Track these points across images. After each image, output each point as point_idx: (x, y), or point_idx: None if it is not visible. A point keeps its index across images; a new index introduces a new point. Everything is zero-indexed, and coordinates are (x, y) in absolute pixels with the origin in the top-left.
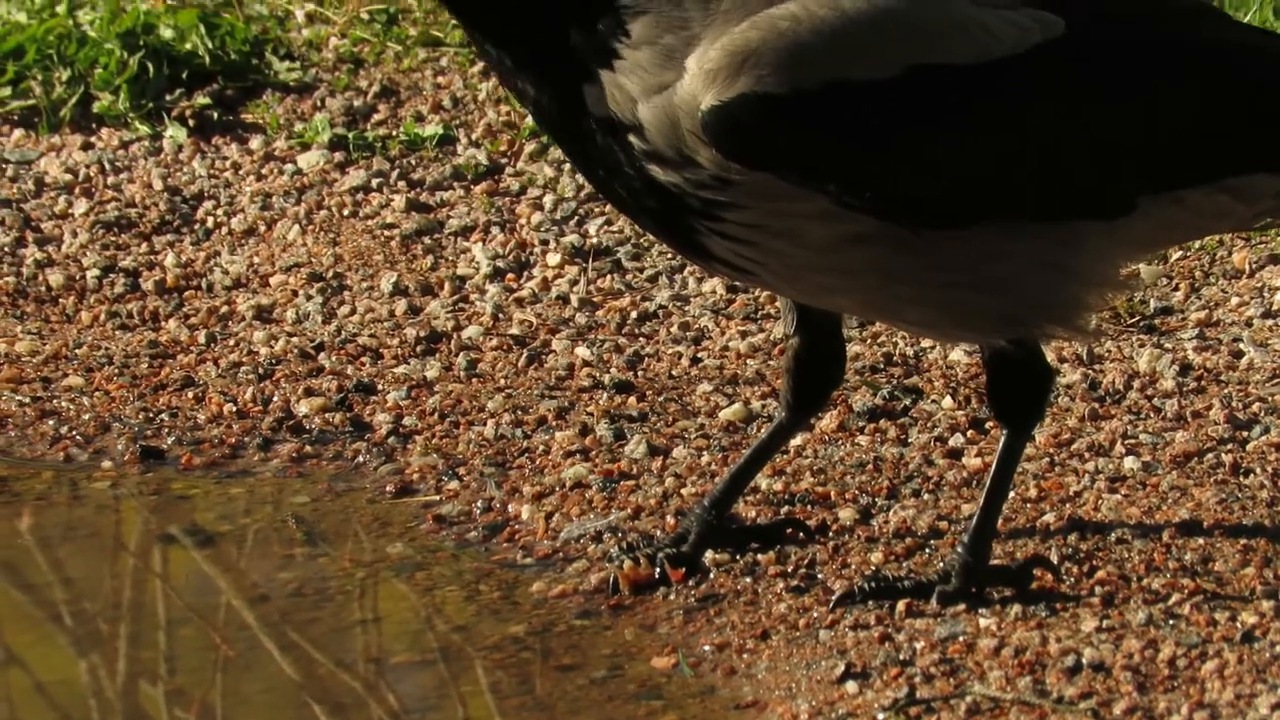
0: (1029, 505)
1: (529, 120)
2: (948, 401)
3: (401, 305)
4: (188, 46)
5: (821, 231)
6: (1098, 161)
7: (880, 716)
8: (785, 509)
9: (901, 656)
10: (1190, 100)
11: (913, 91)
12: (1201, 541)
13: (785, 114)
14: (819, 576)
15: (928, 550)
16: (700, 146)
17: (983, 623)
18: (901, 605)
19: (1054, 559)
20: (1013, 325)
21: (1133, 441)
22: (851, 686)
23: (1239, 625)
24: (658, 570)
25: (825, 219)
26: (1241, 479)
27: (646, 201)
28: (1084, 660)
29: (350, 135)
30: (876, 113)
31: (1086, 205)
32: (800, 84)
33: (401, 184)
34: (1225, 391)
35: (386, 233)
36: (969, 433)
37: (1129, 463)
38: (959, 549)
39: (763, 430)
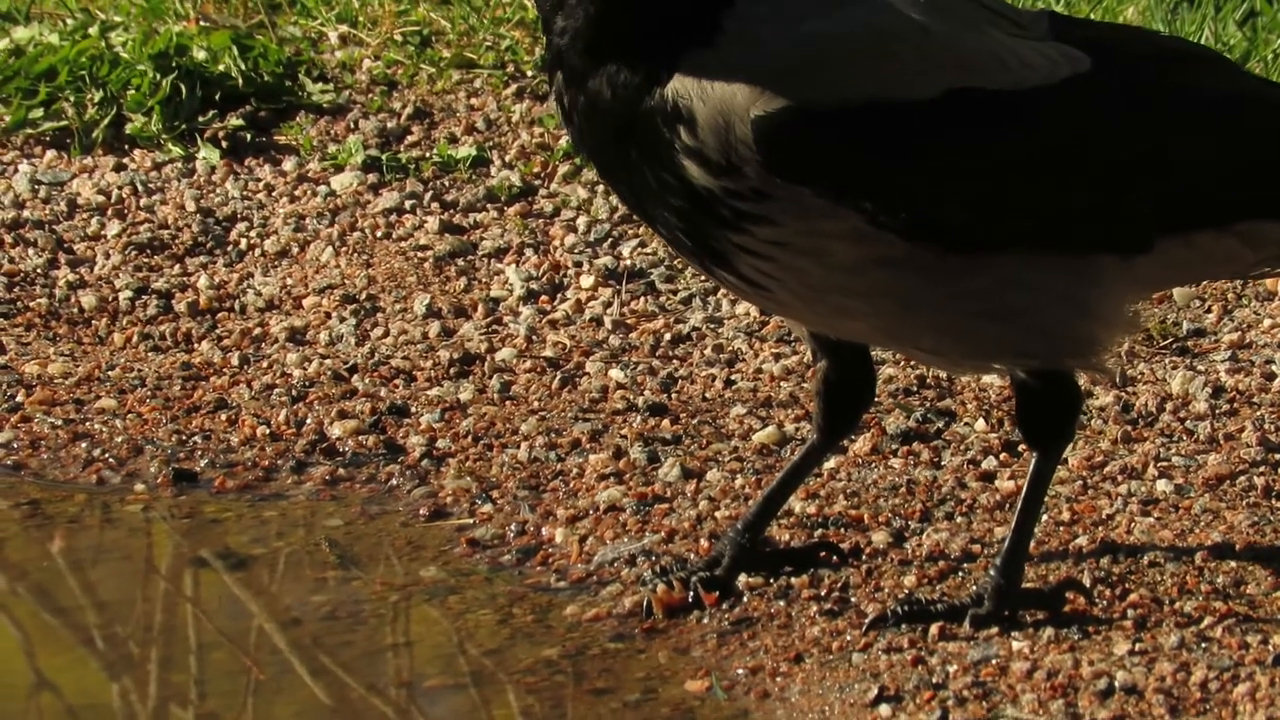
0: (1062, 528)
1: (563, 142)
2: (981, 424)
3: (435, 327)
4: (221, 68)
5: (848, 252)
6: (1119, 196)
7: None
8: (819, 532)
9: (934, 680)
10: (1206, 145)
11: (950, 114)
12: (1234, 564)
13: (828, 128)
14: (852, 600)
15: (961, 573)
16: (748, 154)
17: (1015, 645)
18: (934, 628)
19: (1087, 582)
20: (1027, 358)
21: (1165, 464)
22: (885, 710)
23: (1271, 648)
24: (691, 594)
25: (854, 239)
26: (1274, 501)
27: (673, 202)
28: (1116, 683)
29: (384, 157)
30: (914, 133)
31: (1106, 239)
32: (845, 100)
33: (435, 206)
34: (1258, 414)
35: (420, 254)
36: (1002, 455)
37: (1161, 485)
38: (992, 572)
39: (795, 453)
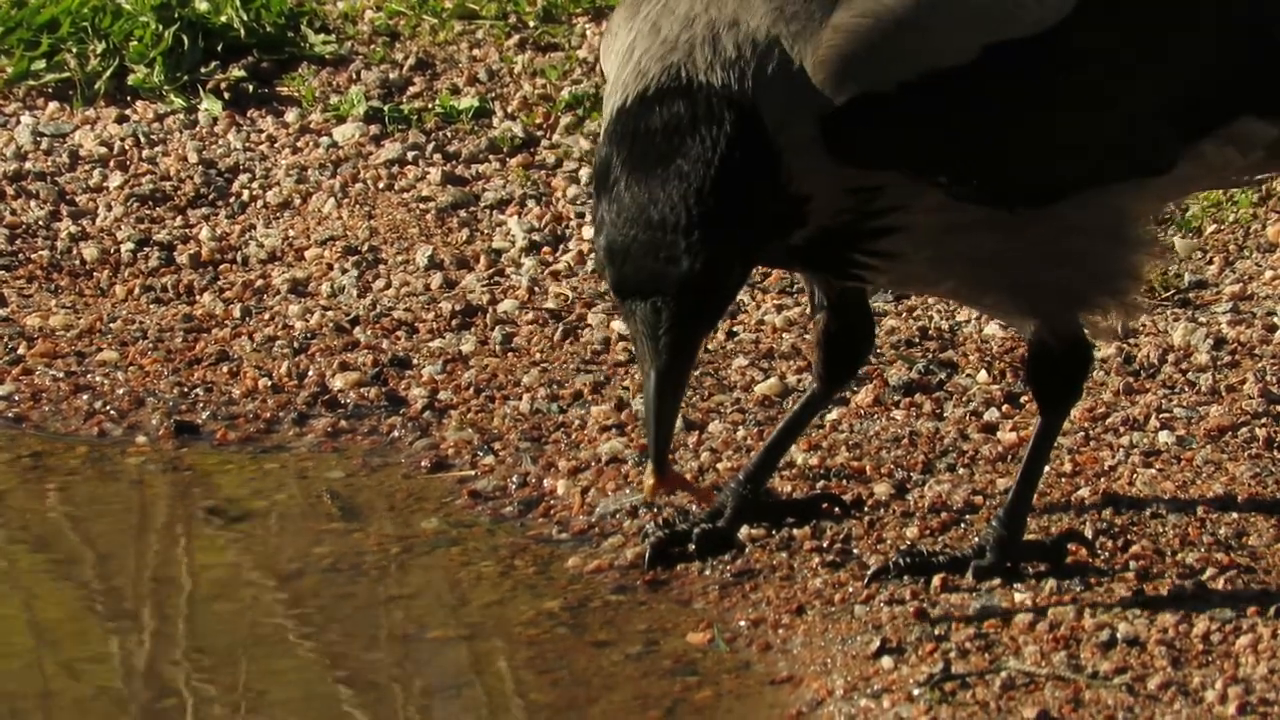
0: (1064, 480)
1: (564, 93)
2: (983, 376)
3: (437, 279)
4: (223, 19)
5: (931, 224)
6: (1147, 119)
7: (915, 692)
8: (820, 484)
9: (937, 632)
10: (1206, 50)
11: (992, 71)
12: (1235, 516)
13: (894, 111)
14: (854, 552)
15: (963, 525)
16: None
17: (1018, 598)
18: (937, 580)
19: (1089, 533)
20: (1079, 303)
21: (1167, 416)
22: (887, 662)
23: (1272, 599)
24: (693, 545)
25: (938, 211)
26: (1275, 453)
27: (807, 248)
28: (1119, 635)
29: (386, 108)
30: (968, 97)
31: (1142, 164)
32: (902, 79)
33: (437, 157)
34: (1259, 365)
35: (422, 206)
36: (1004, 407)
37: (1163, 437)
38: (994, 524)
39: (796, 403)
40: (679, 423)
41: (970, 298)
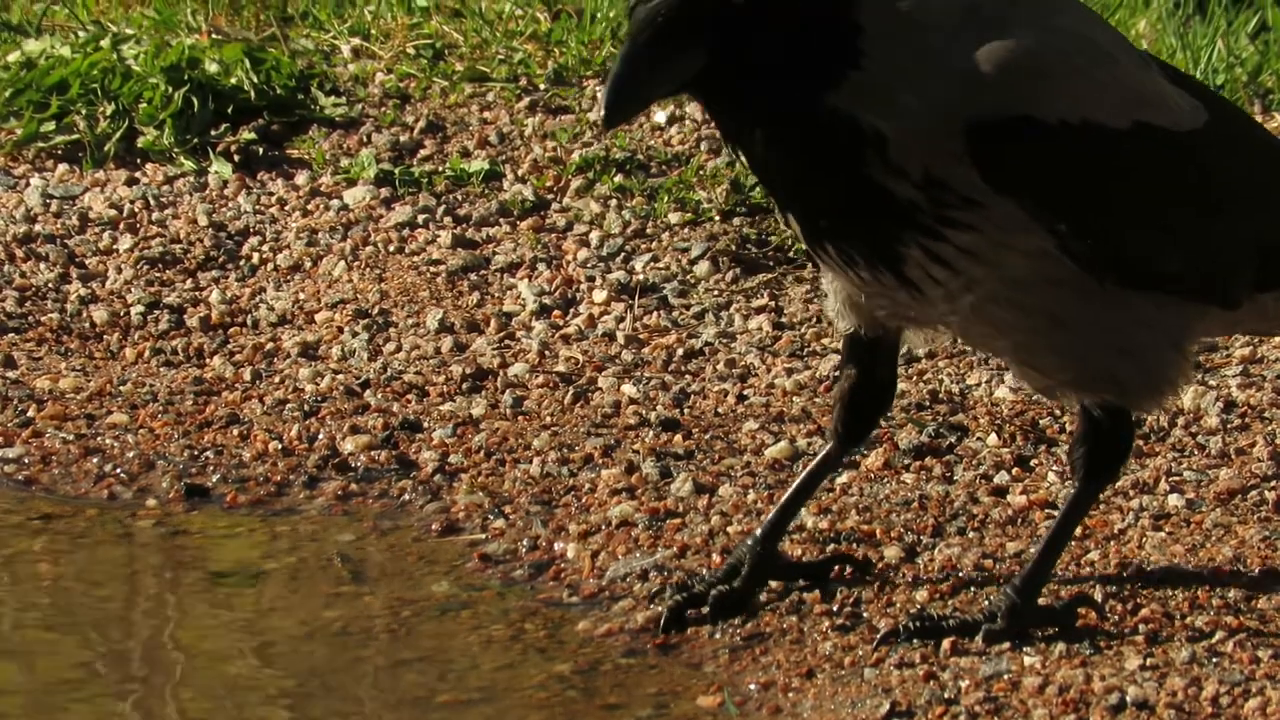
0: (1074, 543)
1: (575, 155)
2: (993, 439)
3: (447, 342)
4: (233, 81)
5: (1025, 269)
6: (1237, 251)
7: None
8: (831, 547)
9: (946, 695)
10: None
11: (1138, 148)
12: (1245, 579)
13: (1046, 143)
14: (864, 615)
15: (973, 588)
16: (956, 165)
17: (1027, 661)
18: (946, 643)
19: (1098, 597)
20: (1124, 393)
21: (1177, 479)
22: None
23: None
24: (708, 608)
25: (1037, 257)
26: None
27: (853, 211)
28: (1128, 698)
29: (396, 171)
30: (1111, 161)
31: (1223, 293)
32: (1062, 115)
33: (447, 220)
34: (1269, 429)
35: (432, 269)
36: (1014, 470)
37: (1173, 500)
38: (1008, 589)
39: (809, 463)
40: (689, 486)
41: (1028, 359)
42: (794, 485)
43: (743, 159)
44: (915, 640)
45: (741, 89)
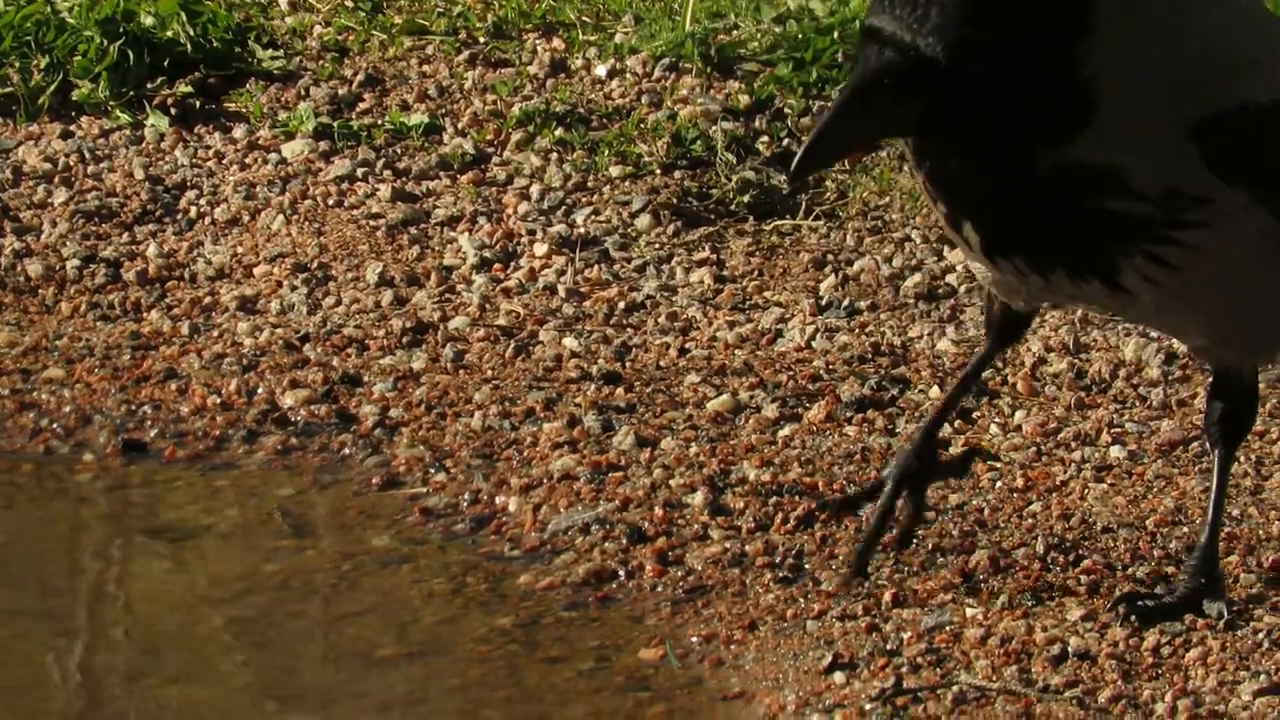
0: (1015, 495)
1: (515, 109)
2: (935, 391)
3: (387, 296)
4: (169, 34)
5: (1244, 252)
6: None
7: (867, 707)
8: (773, 499)
9: (889, 647)
10: None
11: None
12: (1186, 530)
13: (1267, 125)
14: (807, 567)
15: (914, 541)
16: (1187, 168)
17: (969, 612)
18: (888, 596)
19: (1040, 549)
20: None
21: (1119, 430)
22: (839, 677)
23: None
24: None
25: (1255, 238)
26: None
27: (1069, 236)
28: (1069, 649)
29: (335, 124)
30: None
31: None
32: (1273, 96)
33: (387, 173)
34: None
35: (372, 222)
36: (956, 422)
37: (1115, 452)
38: (1184, 576)
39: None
40: (631, 440)
41: (1215, 332)
42: (952, 386)
43: (930, 185)
44: (1139, 621)
45: (960, 146)
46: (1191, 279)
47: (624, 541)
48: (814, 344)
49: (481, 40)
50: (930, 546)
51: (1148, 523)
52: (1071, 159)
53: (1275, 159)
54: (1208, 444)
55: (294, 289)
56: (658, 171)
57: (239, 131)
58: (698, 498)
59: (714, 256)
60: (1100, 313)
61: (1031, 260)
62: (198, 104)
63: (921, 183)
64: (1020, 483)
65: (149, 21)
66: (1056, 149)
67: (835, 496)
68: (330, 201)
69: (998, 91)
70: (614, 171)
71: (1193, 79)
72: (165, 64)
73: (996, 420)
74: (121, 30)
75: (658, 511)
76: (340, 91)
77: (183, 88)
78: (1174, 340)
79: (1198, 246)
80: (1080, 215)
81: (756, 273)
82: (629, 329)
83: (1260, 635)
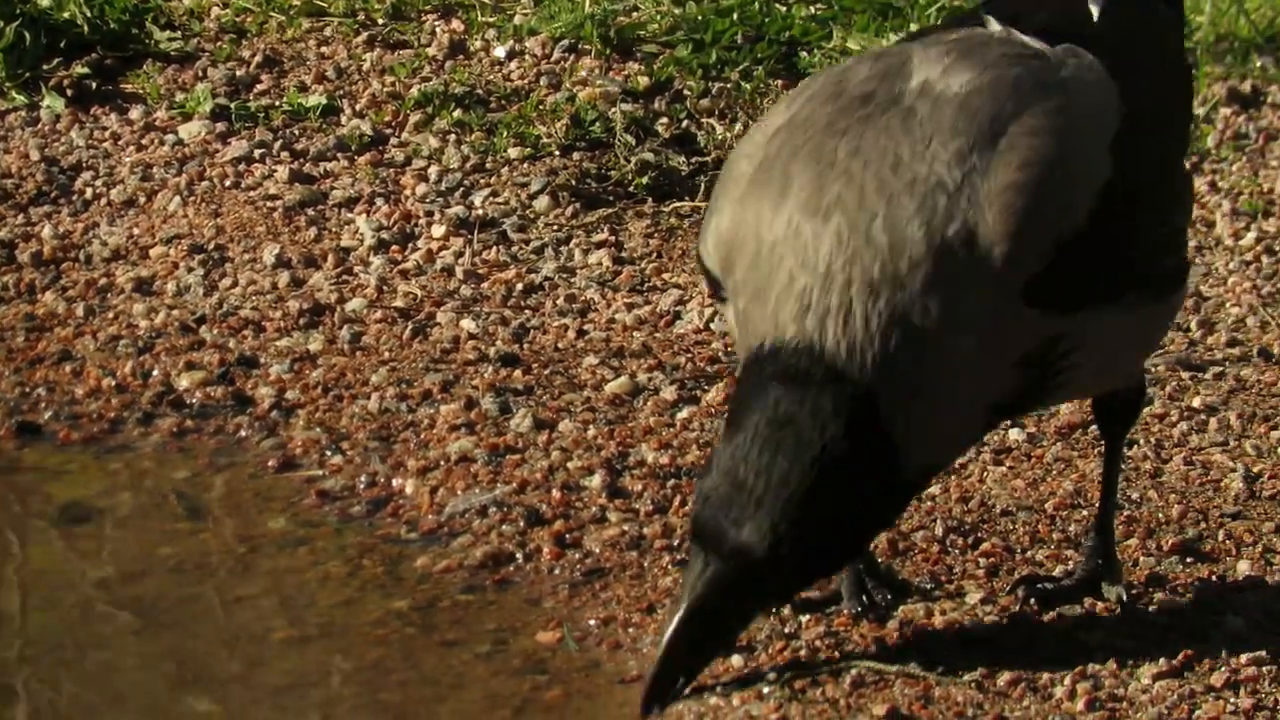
0: None
1: (414, 90)
2: None
3: (284, 277)
4: (66, 15)
5: (1116, 339)
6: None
7: (765, 690)
8: (671, 482)
9: (788, 630)
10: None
11: (1127, 179)
12: (1085, 513)
13: (1088, 242)
14: None
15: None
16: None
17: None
18: None
19: (939, 532)
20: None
21: None
22: (737, 660)
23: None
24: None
25: (1123, 329)
26: (1125, 450)
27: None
28: (969, 633)
29: (232, 105)
30: (1123, 206)
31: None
32: (1089, 206)
33: (284, 155)
34: None
35: (269, 204)
36: None
37: (1014, 434)
38: (1087, 554)
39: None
40: (528, 422)
41: (1092, 388)
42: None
43: None
44: (1038, 604)
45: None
46: (1073, 387)
47: (521, 524)
48: (712, 326)
49: (380, 22)
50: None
51: (1047, 506)
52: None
53: (1101, 269)
54: (1099, 430)
55: (190, 270)
56: (556, 153)
57: (136, 113)
58: (595, 480)
59: (612, 238)
60: None
61: None
62: (94, 85)
63: None
64: None
65: (46, 2)
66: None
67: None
68: (227, 183)
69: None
70: (512, 153)
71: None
72: (62, 45)
73: None
74: (18, 11)
75: (555, 494)
76: (238, 73)
77: (79, 69)
78: None
79: (1081, 364)
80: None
81: (655, 254)
82: (527, 311)
83: (1159, 619)
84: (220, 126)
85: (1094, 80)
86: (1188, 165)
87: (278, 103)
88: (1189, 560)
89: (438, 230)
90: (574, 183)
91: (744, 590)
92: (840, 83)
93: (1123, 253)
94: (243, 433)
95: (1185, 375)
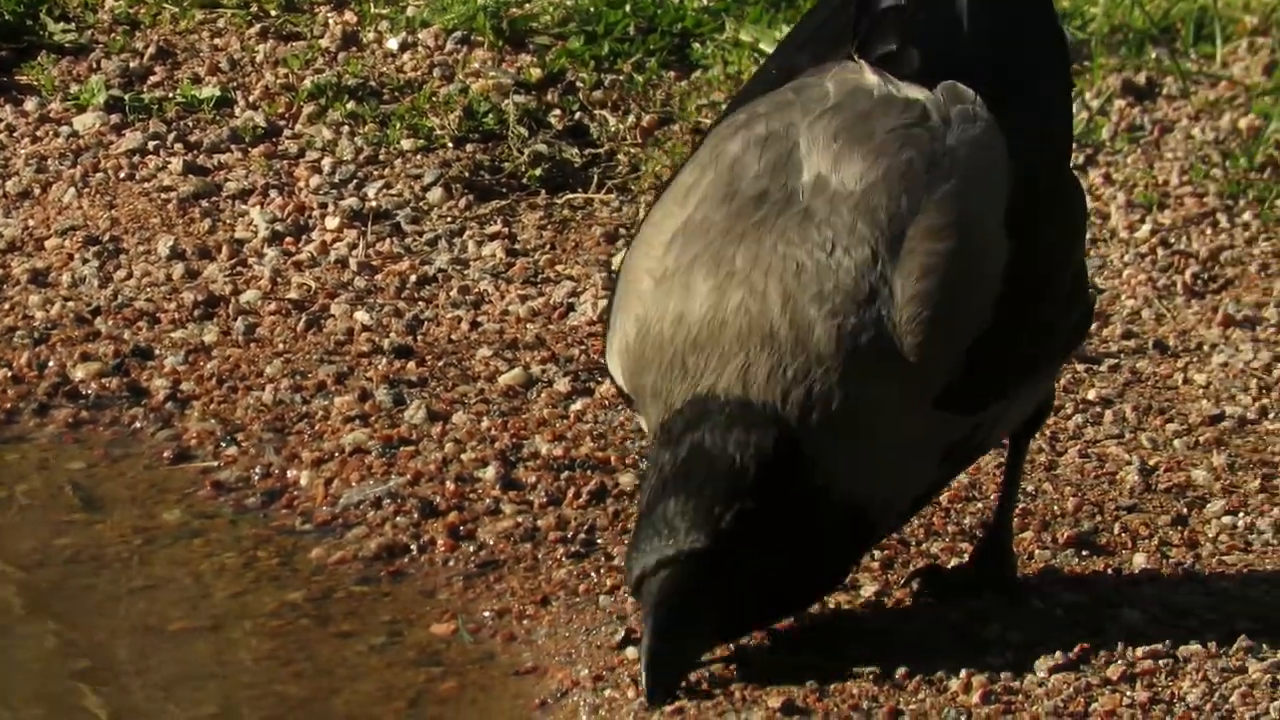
0: None
1: (307, 82)
2: None
3: (179, 269)
4: None
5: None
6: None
7: None
8: (565, 474)
9: None
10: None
11: (1018, 264)
12: (981, 505)
13: (993, 337)
14: (599, 543)
15: None
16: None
17: None
18: None
19: None
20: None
21: None
22: (632, 652)
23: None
24: None
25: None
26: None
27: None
28: (864, 625)
29: (126, 97)
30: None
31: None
32: (982, 299)
33: (178, 146)
34: None
35: (164, 195)
36: None
37: None
38: (984, 553)
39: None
40: (422, 414)
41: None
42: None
43: None
44: (934, 597)
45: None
46: (993, 437)
47: (416, 516)
48: None
49: (273, 13)
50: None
51: (942, 498)
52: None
53: (1004, 364)
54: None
55: (85, 262)
56: (449, 145)
57: (30, 104)
58: (489, 472)
59: (506, 230)
60: None
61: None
62: None
63: None
64: None
65: None
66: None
67: None
68: (122, 174)
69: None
70: (406, 145)
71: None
72: None
73: None
74: None
75: (449, 486)
76: (132, 64)
77: None
78: None
79: (996, 422)
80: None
81: (549, 246)
82: (421, 302)
83: (1055, 611)
84: (115, 118)
85: (980, 135)
86: (1081, 158)
87: (172, 94)
88: (1084, 553)
89: (331, 222)
90: (467, 175)
91: (698, 587)
92: (731, 181)
93: (1034, 330)
94: (138, 424)
95: (1081, 368)
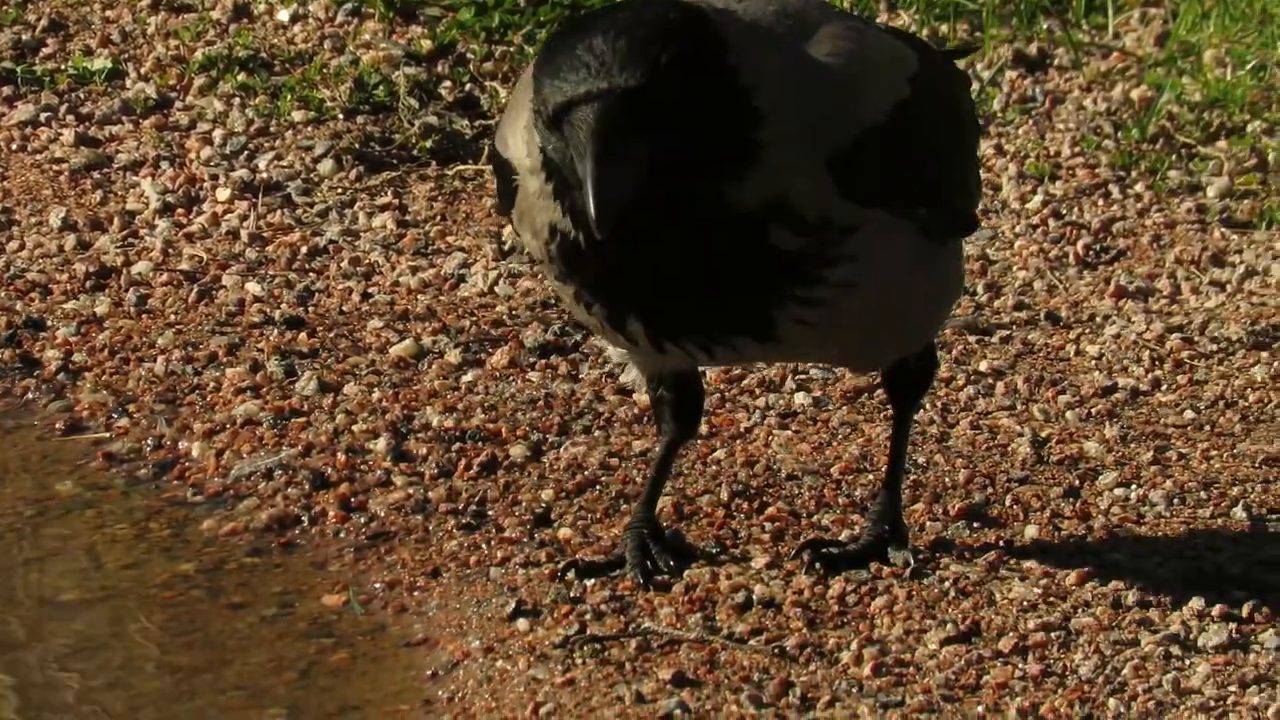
0: (700, 441)
1: (198, 54)
2: None
3: (70, 240)
4: None
5: (889, 270)
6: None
7: (551, 654)
8: (456, 445)
9: (572, 594)
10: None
11: (926, 106)
12: (871, 477)
13: (888, 142)
14: (490, 514)
15: (598, 487)
16: (832, 200)
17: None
18: (572, 540)
19: (724, 496)
20: (936, 330)
21: (803, 377)
22: (522, 624)
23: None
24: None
25: (899, 251)
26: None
27: (732, 288)
28: (754, 597)
29: (18, 69)
30: (922, 127)
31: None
32: (884, 112)
33: (70, 118)
34: None
35: (55, 167)
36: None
37: (800, 398)
38: (869, 522)
39: (658, 450)
40: (314, 385)
41: (864, 350)
42: (650, 476)
43: (591, 290)
44: (823, 571)
45: (657, 199)
46: (844, 313)
47: (307, 487)
48: (497, 289)
49: None
50: (614, 494)
51: (832, 470)
52: (747, 195)
53: (901, 171)
54: (888, 399)
55: None
56: (340, 117)
57: None
58: (380, 444)
59: (397, 201)
60: (747, 365)
61: (696, 337)
62: None
63: (574, 294)
64: (704, 429)
65: None
66: (736, 186)
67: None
68: (14, 146)
69: (690, 127)
70: (296, 116)
71: (822, 113)
72: None
73: None
74: None
75: (340, 457)
76: (24, 37)
77: None
78: None
79: (848, 282)
80: (748, 258)
81: (439, 218)
82: (312, 274)
83: (946, 584)
84: (6, 90)
85: (888, 39)
86: None
87: (63, 66)
88: (976, 525)
89: (222, 194)
90: (358, 146)
91: (630, 123)
92: None
93: (916, 165)
94: (30, 395)
95: (972, 339)
